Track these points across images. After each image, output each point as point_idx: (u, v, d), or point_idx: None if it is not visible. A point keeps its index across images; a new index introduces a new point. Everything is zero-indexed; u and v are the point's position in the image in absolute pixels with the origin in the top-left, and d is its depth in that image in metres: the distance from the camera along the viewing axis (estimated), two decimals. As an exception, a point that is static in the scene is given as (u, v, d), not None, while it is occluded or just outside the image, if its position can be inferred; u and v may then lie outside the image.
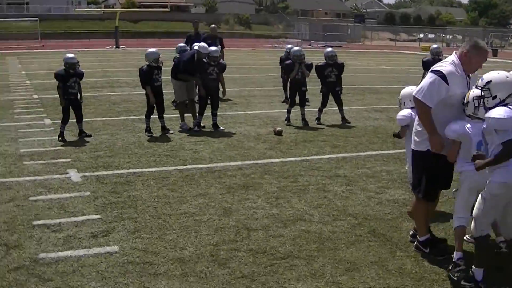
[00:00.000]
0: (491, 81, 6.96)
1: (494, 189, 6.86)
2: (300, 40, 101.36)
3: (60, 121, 15.57)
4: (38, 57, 48.51)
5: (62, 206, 9.93)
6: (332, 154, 14.16)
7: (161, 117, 16.42)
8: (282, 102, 22.19)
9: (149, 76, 15.98)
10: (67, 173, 12.05)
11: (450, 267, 7.42)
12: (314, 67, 18.46)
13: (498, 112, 6.71)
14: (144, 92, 16.34)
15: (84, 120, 16.18)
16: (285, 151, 14.44)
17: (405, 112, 9.56)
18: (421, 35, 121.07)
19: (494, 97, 6.97)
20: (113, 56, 51.13)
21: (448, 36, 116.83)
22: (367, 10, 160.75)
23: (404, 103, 9.93)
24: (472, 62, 7.62)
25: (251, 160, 13.41)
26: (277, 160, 13.49)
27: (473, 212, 7.14)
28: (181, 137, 15.78)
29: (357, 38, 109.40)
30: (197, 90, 18.16)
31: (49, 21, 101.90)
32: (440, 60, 18.79)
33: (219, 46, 22.11)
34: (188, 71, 16.92)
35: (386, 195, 10.96)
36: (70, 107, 15.59)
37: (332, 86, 18.46)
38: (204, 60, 16.69)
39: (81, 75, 15.95)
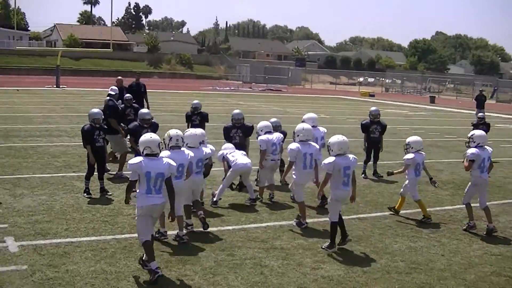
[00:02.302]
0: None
1: None
2: (241, 82, 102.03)
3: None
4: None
5: (-1, 283, 9.87)
6: (269, 222, 14.28)
7: (101, 178, 16.42)
8: None
9: (90, 136, 16.05)
10: (4, 241, 11.92)
11: None
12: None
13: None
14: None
15: (21, 176, 16.11)
16: (223, 219, 14.50)
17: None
18: (361, 79, 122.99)
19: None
20: (53, 98, 50.73)
21: (387, 80, 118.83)
22: (308, 52, 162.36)
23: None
24: None
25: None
26: (214, 229, 13.56)
27: None
28: (120, 199, 15.63)
29: (297, 81, 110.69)
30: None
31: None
32: (379, 122, 19.52)
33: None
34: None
35: (322, 271, 11.11)
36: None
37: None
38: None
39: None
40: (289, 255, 11.93)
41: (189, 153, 12.42)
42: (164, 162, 10.54)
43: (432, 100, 75.31)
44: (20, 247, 11.65)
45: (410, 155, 14.99)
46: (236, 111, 17.64)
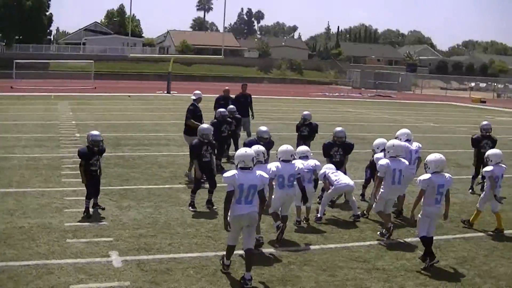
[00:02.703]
0: None
1: None
2: (351, 88, 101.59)
3: (85, 197, 15.36)
4: (90, 102, 49.28)
5: (102, 299, 10.04)
6: (372, 241, 14.10)
7: (210, 191, 16.56)
8: None
9: (198, 150, 16.17)
10: (108, 256, 12.14)
11: None
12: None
13: None
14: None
15: (130, 187, 16.42)
16: (326, 236, 14.40)
17: None
18: (473, 84, 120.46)
19: None
20: (163, 104, 51.66)
21: (499, 85, 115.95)
22: (420, 57, 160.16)
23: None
24: None
25: (291, 246, 13.42)
26: (317, 246, 13.49)
27: None
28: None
29: (407, 86, 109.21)
30: None
31: (104, 61, 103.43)
32: (489, 137, 19.03)
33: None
34: None
35: (424, 296, 10.91)
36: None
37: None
38: None
39: (103, 152, 15.83)
40: (390, 277, 11.72)
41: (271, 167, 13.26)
42: (257, 175, 11.13)
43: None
44: (123, 262, 11.84)
45: (489, 168, 15.05)
46: (338, 128, 17.47)
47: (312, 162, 15.22)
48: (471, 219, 15.49)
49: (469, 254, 13.33)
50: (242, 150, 11.50)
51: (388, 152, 14.37)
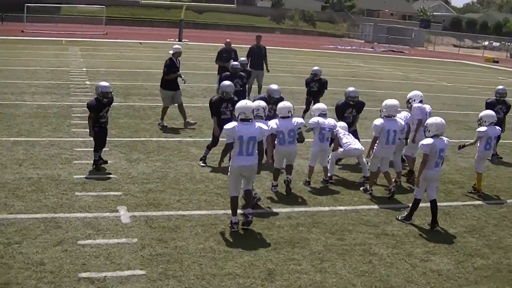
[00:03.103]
0: None
1: None
2: (363, 41, 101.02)
3: (93, 149, 15.17)
4: (101, 49, 49.03)
5: (109, 256, 9.99)
6: (382, 204, 14.03)
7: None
8: None
9: (217, 107, 15.87)
10: (117, 211, 12.12)
11: None
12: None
13: None
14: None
15: (139, 139, 16.94)
16: (336, 198, 14.35)
17: None
18: (486, 43, 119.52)
19: None
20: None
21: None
22: (434, 13, 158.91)
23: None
24: None
25: (301, 207, 13.38)
26: (327, 208, 13.45)
27: None
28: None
29: (420, 42, 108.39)
30: None
31: (115, 7, 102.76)
32: (504, 102, 18.80)
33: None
34: None
35: (431, 264, 10.84)
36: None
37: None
38: None
39: (111, 103, 15.48)
40: (399, 243, 11.68)
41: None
42: (256, 127, 11.58)
43: None
44: (132, 218, 11.83)
45: (482, 128, 15.27)
46: (351, 88, 17.21)
47: (332, 121, 15.13)
48: (476, 186, 15.44)
49: (478, 223, 13.26)
50: (243, 102, 11.93)
51: (382, 111, 14.38)
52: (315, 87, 21.59)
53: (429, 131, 12.49)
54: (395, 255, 11.06)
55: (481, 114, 15.64)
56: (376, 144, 14.16)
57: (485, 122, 15.38)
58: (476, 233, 12.60)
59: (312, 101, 21.24)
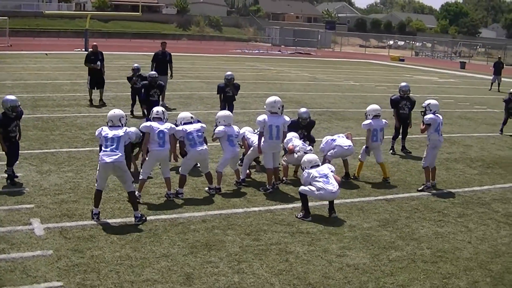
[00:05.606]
0: None
1: None
2: (270, 45, 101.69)
3: (6, 164, 14.77)
4: (6, 61, 47.99)
5: (25, 269, 9.86)
6: (295, 203, 14.16)
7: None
8: None
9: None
10: (30, 223, 11.95)
11: None
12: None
13: None
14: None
15: (49, 150, 16.84)
16: (249, 199, 14.47)
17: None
18: (391, 42, 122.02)
19: None
20: (80, 62, 50.62)
21: (417, 44, 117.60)
22: (338, 15, 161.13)
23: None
24: None
25: (215, 210, 13.43)
26: (241, 210, 13.55)
27: None
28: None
29: (327, 44, 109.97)
30: None
31: (19, 18, 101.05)
32: (408, 98, 19.30)
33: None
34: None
35: (347, 258, 11.04)
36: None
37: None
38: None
39: (21, 115, 15.00)
40: (314, 240, 11.87)
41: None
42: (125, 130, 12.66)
43: (463, 66, 74.08)
44: (46, 230, 11.69)
45: (367, 121, 16.73)
46: (303, 109, 17.26)
47: (236, 128, 15.38)
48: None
49: (391, 216, 13.60)
50: (111, 111, 12.94)
51: (369, 115, 16.65)
52: (230, 92, 21.72)
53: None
54: (311, 252, 11.23)
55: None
56: (262, 141, 14.68)
57: (369, 115, 16.59)
58: (390, 226, 12.91)
59: (227, 106, 21.33)
